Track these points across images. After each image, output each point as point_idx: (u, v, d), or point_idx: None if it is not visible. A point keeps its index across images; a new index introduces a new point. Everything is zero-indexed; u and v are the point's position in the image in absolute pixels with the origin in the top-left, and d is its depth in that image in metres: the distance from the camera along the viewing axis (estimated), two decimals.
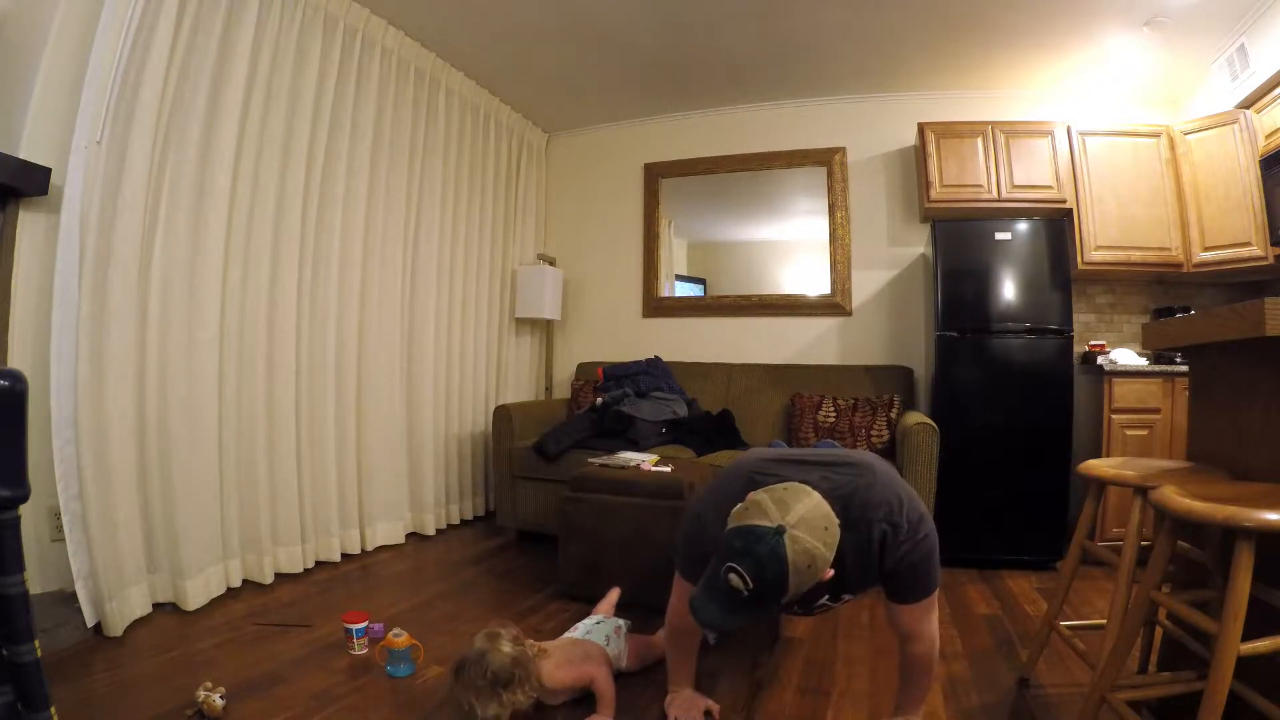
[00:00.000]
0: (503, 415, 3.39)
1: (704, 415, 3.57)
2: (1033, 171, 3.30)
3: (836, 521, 1.26)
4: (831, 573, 1.25)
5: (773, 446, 2.99)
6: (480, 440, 3.88)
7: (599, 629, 1.84)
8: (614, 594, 2.20)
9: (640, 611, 2.10)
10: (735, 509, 1.28)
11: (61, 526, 1.95)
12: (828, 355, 3.85)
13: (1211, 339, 1.37)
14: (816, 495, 1.27)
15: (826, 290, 3.88)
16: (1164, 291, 3.46)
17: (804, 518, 1.21)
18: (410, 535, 3.35)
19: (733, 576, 1.18)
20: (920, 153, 3.46)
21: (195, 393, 2.33)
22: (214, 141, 2.36)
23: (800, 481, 1.32)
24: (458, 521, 3.68)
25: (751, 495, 1.29)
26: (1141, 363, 3.05)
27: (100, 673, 1.78)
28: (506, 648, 1.53)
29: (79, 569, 1.93)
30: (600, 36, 3.25)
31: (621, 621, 1.93)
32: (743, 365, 3.82)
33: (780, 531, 1.18)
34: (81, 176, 1.95)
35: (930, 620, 1.42)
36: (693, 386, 3.77)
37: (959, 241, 3.13)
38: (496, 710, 1.49)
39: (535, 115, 4.29)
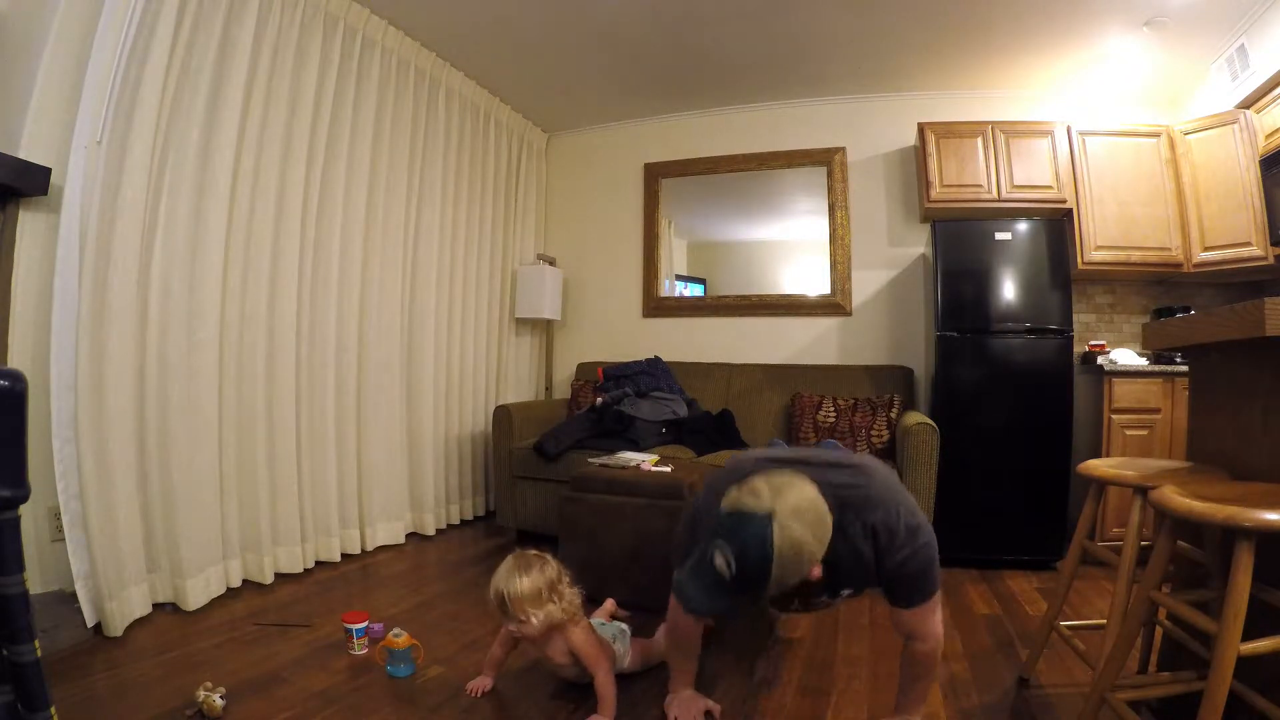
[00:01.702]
0: (503, 415, 3.39)
1: (704, 415, 3.57)
2: (1033, 171, 3.30)
3: (830, 519, 1.25)
4: (820, 572, 1.23)
5: (772, 446, 3.00)
6: (480, 440, 3.88)
7: (604, 630, 1.84)
8: (609, 604, 2.20)
9: (640, 613, 2.10)
10: (730, 491, 1.26)
11: (61, 526, 1.95)
12: (828, 355, 3.85)
13: (1211, 339, 1.37)
14: (813, 489, 1.25)
15: (826, 290, 3.88)
16: (1164, 291, 3.46)
17: (796, 508, 1.19)
18: (410, 535, 3.35)
19: (717, 556, 1.16)
20: (920, 153, 3.46)
21: (195, 393, 2.33)
22: (214, 141, 2.36)
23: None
24: (458, 521, 3.69)
25: (750, 479, 1.26)
26: (1141, 363, 3.05)
27: (100, 673, 1.78)
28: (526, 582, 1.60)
29: (79, 569, 1.93)
30: (600, 36, 3.25)
31: (625, 626, 1.93)
32: (743, 365, 3.82)
33: (770, 517, 1.16)
34: (81, 176, 1.95)
35: (933, 620, 1.42)
36: (693, 386, 3.77)
37: (959, 241, 3.13)
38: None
39: (535, 115, 4.29)
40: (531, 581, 1.61)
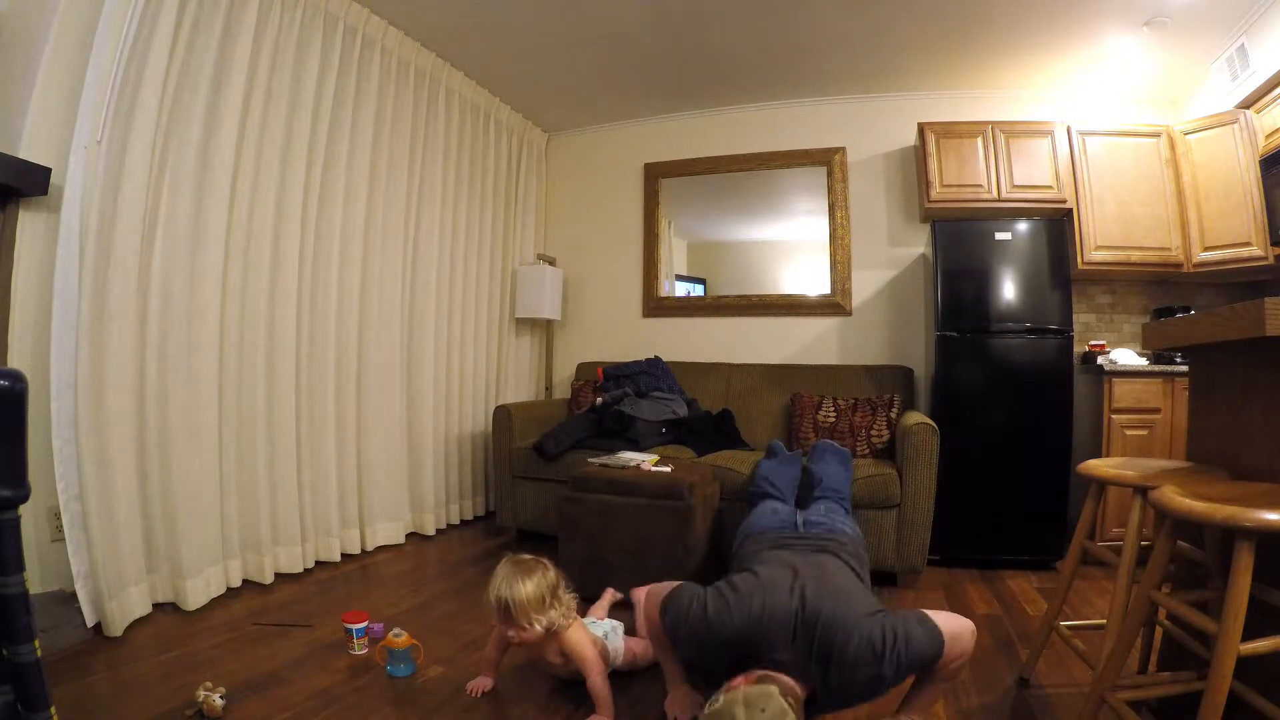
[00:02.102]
0: (503, 415, 3.39)
1: (704, 415, 3.57)
2: (1033, 171, 3.30)
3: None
4: None
5: (772, 446, 3.00)
6: (480, 440, 3.88)
7: (596, 628, 1.84)
8: (608, 595, 2.20)
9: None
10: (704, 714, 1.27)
11: (61, 526, 1.95)
12: (828, 355, 3.85)
13: (1211, 339, 1.37)
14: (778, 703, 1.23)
15: (826, 290, 3.88)
16: (1164, 291, 3.46)
17: None
18: (410, 535, 3.35)
19: None
20: (920, 153, 3.46)
21: (195, 392, 2.33)
22: (214, 141, 2.36)
23: (774, 669, 1.34)
24: (458, 521, 3.69)
25: (721, 701, 1.25)
26: (1141, 363, 3.05)
27: (100, 673, 1.78)
28: (530, 587, 1.60)
29: (79, 569, 1.93)
30: (601, 36, 3.25)
31: (618, 623, 1.93)
32: (743, 365, 3.82)
33: None
34: (81, 176, 1.95)
35: (956, 647, 1.40)
36: (693, 386, 3.77)
37: (959, 241, 3.13)
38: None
39: (535, 115, 4.29)
40: (535, 586, 1.61)
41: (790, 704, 1.24)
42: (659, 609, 1.56)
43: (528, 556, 1.70)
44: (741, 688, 1.27)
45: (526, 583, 1.60)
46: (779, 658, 1.38)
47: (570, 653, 1.66)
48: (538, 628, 1.59)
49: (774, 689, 1.25)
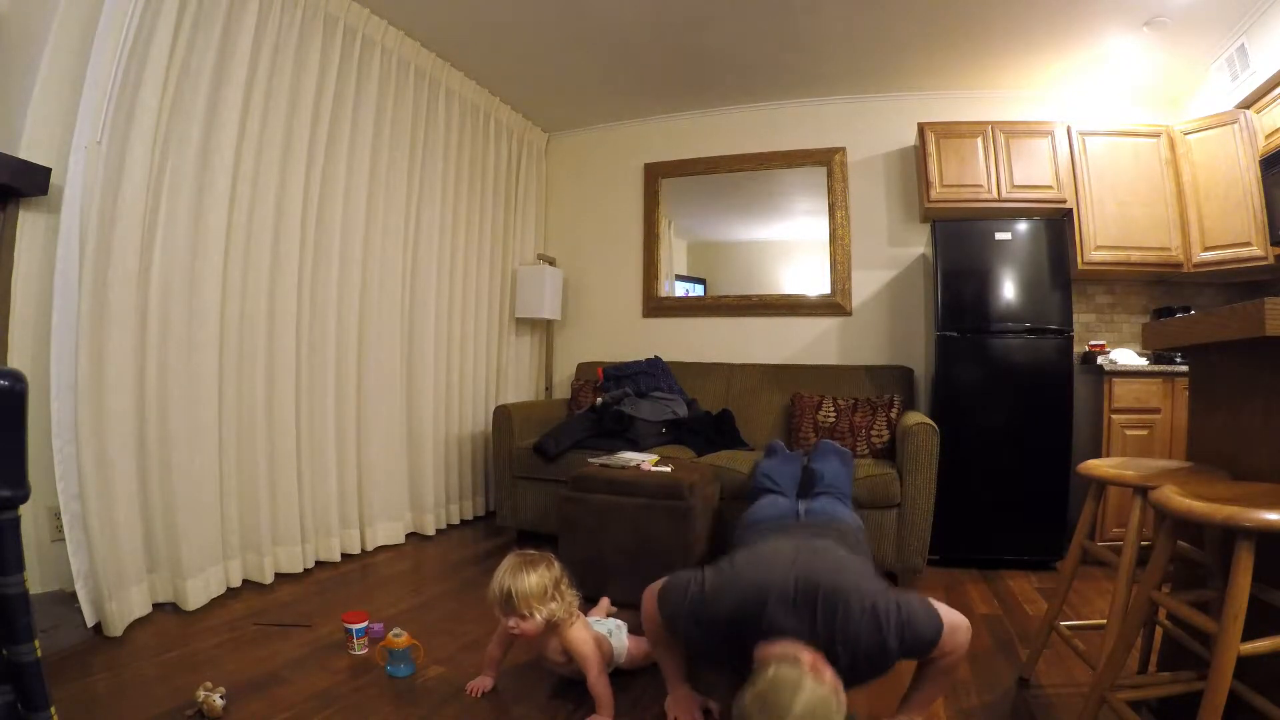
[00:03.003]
0: (503, 415, 3.39)
1: (704, 415, 3.57)
2: (1033, 171, 3.30)
3: (843, 703, 1.23)
4: None
5: (772, 445, 2.99)
6: (480, 440, 3.88)
7: (599, 626, 1.84)
8: (604, 603, 2.20)
9: (638, 612, 2.10)
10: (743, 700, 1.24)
11: (61, 526, 1.95)
12: (828, 355, 3.85)
13: (1211, 339, 1.37)
14: (808, 684, 1.20)
15: (826, 290, 3.88)
16: (1164, 291, 3.46)
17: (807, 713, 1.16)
18: (410, 535, 3.35)
19: None
20: (920, 153, 3.46)
21: (195, 392, 2.33)
22: (214, 142, 2.36)
23: (792, 642, 1.31)
24: (458, 521, 3.68)
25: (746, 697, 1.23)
26: (1141, 363, 3.05)
27: (100, 673, 1.78)
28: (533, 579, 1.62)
29: (79, 569, 1.93)
30: (600, 36, 3.25)
31: (621, 622, 1.93)
32: (743, 365, 3.82)
33: None
34: (81, 176, 1.95)
35: (953, 640, 1.40)
36: (693, 386, 3.77)
37: (959, 241, 3.13)
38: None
39: (535, 115, 4.29)
40: (539, 578, 1.63)
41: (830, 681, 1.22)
42: (656, 598, 1.55)
43: (533, 552, 1.72)
44: (772, 665, 1.23)
45: (530, 574, 1.62)
46: (782, 625, 1.34)
47: (572, 650, 1.66)
48: (538, 618, 1.60)
49: (807, 678, 1.21)
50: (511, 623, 1.62)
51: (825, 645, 1.33)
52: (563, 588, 1.69)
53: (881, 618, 1.33)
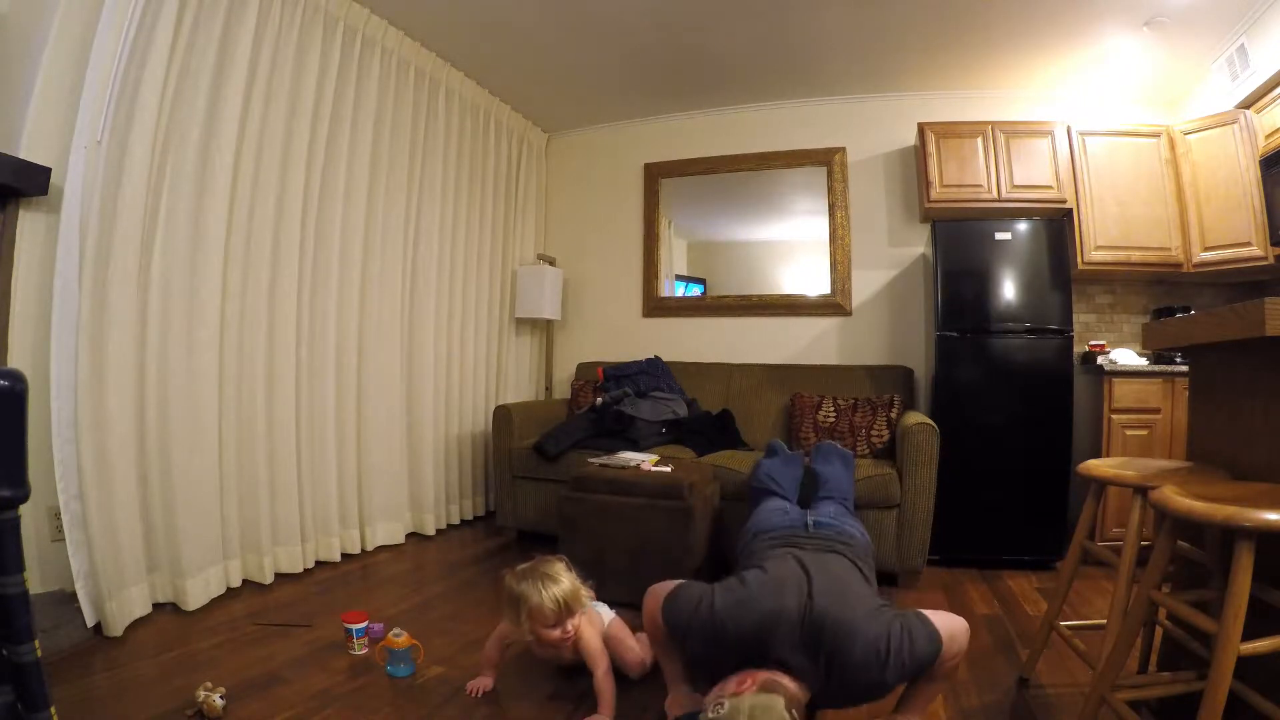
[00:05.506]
0: (503, 415, 3.39)
1: (704, 415, 3.57)
2: (1033, 171, 3.30)
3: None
4: None
5: (772, 445, 2.99)
6: (480, 440, 3.87)
7: (598, 607, 1.87)
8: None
9: (639, 613, 2.10)
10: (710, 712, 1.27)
11: (61, 526, 1.95)
12: (828, 355, 3.85)
13: (1211, 339, 1.37)
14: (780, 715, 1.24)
15: (826, 290, 3.88)
16: (1164, 291, 3.46)
17: None
18: (410, 535, 3.35)
19: None
20: (920, 153, 3.46)
21: (195, 393, 2.33)
22: (214, 142, 2.36)
23: (778, 669, 1.36)
24: (458, 521, 3.68)
25: (726, 708, 1.25)
26: (1141, 363, 3.05)
27: (100, 673, 1.78)
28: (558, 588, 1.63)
29: (79, 569, 1.93)
30: (600, 36, 3.25)
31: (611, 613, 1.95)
32: (743, 365, 3.82)
33: None
34: (81, 176, 1.95)
35: (953, 646, 1.41)
36: (693, 386, 3.77)
37: (959, 241, 3.13)
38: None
39: (535, 115, 4.29)
40: (569, 578, 1.66)
41: (793, 715, 1.24)
42: (660, 607, 1.56)
43: (537, 557, 1.74)
44: (747, 695, 1.26)
45: (561, 578, 1.65)
46: (786, 658, 1.38)
47: (582, 646, 1.69)
48: (571, 627, 1.63)
49: (780, 700, 1.26)
50: (568, 627, 1.64)
51: (823, 678, 1.38)
52: (581, 590, 1.71)
53: (883, 654, 1.35)
